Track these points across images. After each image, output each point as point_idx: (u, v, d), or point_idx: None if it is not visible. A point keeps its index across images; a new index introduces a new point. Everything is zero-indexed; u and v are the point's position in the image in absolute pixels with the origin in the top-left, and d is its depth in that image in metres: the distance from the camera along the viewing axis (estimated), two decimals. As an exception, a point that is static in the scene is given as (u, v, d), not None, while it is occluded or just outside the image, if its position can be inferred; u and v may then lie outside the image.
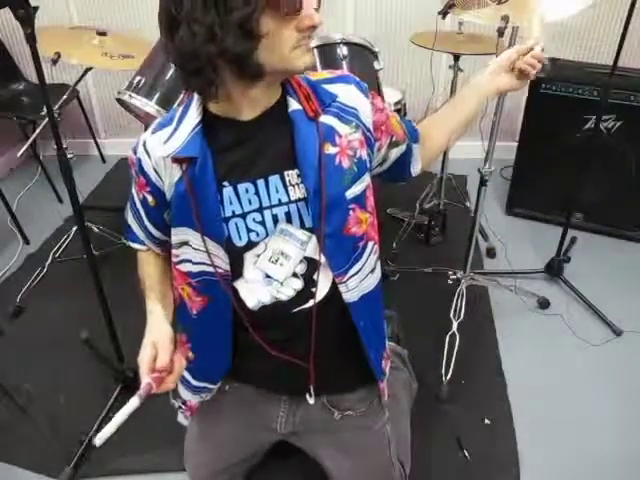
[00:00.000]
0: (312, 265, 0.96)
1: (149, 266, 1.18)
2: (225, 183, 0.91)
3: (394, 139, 1.06)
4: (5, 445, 1.64)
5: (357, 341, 1.05)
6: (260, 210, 0.92)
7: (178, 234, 0.97)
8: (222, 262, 0.95)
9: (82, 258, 1.58)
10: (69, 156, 1.44)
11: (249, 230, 0.93)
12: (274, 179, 0.91)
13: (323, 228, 0.91)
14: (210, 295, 1.01)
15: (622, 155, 2.35)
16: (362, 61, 1.90)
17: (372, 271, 1.03)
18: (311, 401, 1.08)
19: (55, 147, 1.38)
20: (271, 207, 0.92)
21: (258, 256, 0.95)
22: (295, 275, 0.96)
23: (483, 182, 1.92)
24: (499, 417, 1.70)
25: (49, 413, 1.72)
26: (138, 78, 1.88)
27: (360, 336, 1.04)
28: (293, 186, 0.91)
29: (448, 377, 1.77)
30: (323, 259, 0.95)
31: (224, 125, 0.90)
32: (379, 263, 1.07)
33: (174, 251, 1.00)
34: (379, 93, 1.90)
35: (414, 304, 2.08)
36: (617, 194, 2.43)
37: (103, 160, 3.37)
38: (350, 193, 0.94)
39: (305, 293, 0.97)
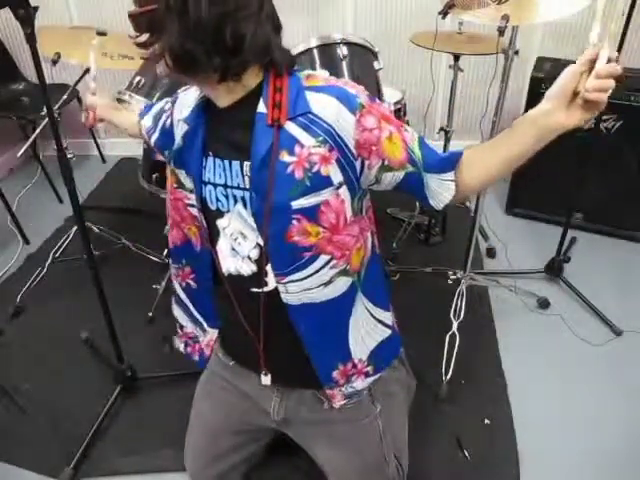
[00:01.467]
0: (263, 255, 1.01)
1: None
2: (210, 153, 1.01)
3: (386, 163, 0.99)
4: (5, 445, 1.64)
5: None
6: (225, 187, 1.01)
7: (188, 182, 1.06)
8: (203, 221, 1.06)
9: (82, 258, 1.58)
10: (69, 156, 1.44)
11: (217, 199, 1.02)
12: (235, 164, 0.98)
13: (266, 228, 0.97)
14: (203, 240, 1.10)
15: (622, 155, 2.35)
16: (362, 61, 1.90)
17: (326, 284, 1.02)
18: (265, 381, 1.15)
19: (55, 147, 1.38)
20: (232, 188, 1.00)
21: (224, 229, 1.04)
22: (249, 258, 1.03)
23: (483, 182, 1.91)
24: (499, 417, 1.70)
25: (49, 413, 1.72)
26: (138, 78, 1.88)
27: (301, 339, 1.06)
28: (248, 177, 0.97)
29: (448, 377, 1.77)
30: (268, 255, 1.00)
31: (213, 104, 1.00)
32: (345, 279, 1.04)
33: (187, 194, 1.07)
34: (379, 97, 1.89)
35: (414, 304, 2.08)
36: (617, 194, 2.43)
37: (103, 160, 3.37)
38: (297, 204, 0.94)
39: (258, 278, 1.03)
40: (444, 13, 1.65)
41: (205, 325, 1.25)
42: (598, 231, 2.55)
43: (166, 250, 2.06)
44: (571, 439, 1.64)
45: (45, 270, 2.30)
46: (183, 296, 1.24)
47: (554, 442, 1.63)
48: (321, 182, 0.94)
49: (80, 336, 1.77)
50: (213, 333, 1.26)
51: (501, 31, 1.56)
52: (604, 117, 2.29)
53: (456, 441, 1.62)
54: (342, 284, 1.04)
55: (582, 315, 2.10)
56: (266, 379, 1.15)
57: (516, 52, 1.79)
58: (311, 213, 0.95)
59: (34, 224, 2.69)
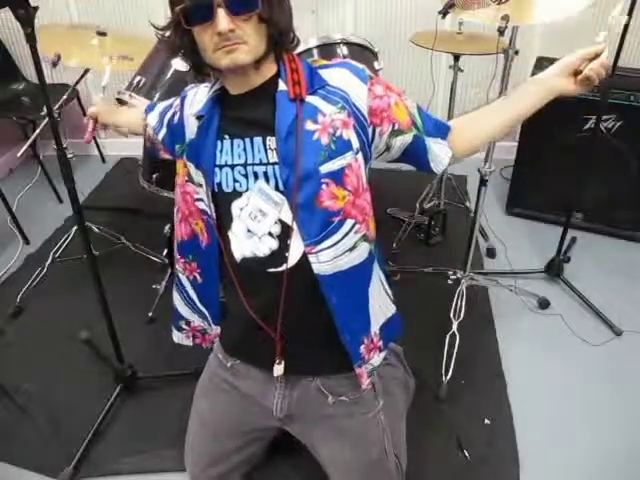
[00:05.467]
0: (286, 229, 1.04)
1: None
2: (226, 136, 1.06)
3: (396, 127, 1.08)
4: (5, 445, 1.64)
5: (331, 321, 1.08)
6: (245, 165, 1.05)
7: (197, 176, 1.10)
8: (213, 211, 1.09)
9: (82, 258, 1.58)
10: (69, 156, 1.44)
11: (235, 180, 1.06)
12: (257, 140, 1.03)
13: (296, 197, 1.00)
14: (210, 234, 1.13)
15: (622, 155, 2.35)
16: (362, 61, 1.89)
17: (351, 250, 1.06)
18: (278, 371, 1.13)
19: (55, 147, 1.38)
20: (253, 164, 1.04)
21: (241, 209, 1.06)
22: (271, 235, 1.05)
23: (483, 182, 1.92)
24: (499, 417, 1.70)
25: (49, 413, 1.71)
26: (138, 78, 1.88)
27: (332, 313, 1.07)
28: (272, 150, 1.02)
29: (448, 377, 1.77)
30: (295, 226, 1.02)
31: (228, 92, 1.08)
32: (365, 245, 1.09)
33: (196, 188, 1.12)
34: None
35: (414, 304, 2.07)
36: (617, 194, 2.43)
37: (103, 160, 3.37)
38: (325, 168, 1.00)
39: (279, 255, 1.05)
40: (444, 13, 1.65)
41: (210, 320, 1.26)
42: (598, 231, 2.54)
43: (166, 250, 2.06)
44: (571, 439, 1.64)
45: (45, 270, 2.30)
46: (190, 291, 1.25)
47: (554, 442, 1.63)
48: (344, 145, 1.02)
49: (80, 336, 1.76)
50: (217, 329, 1.28)
51: (501, 31, 1.56)
52: (604, 117, 2.29)
53: (456, 441, 1.62)
54: (363, 250, 1.09)
55: (582, 315, 2.10)
56: (279, 369, 1.13)
57: (516, 52, 1.79)
58: (337, 176, 1.01)
59: (34, 224, 2.69)
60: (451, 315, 1.92)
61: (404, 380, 1.36)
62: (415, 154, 1.14)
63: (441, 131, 1.15)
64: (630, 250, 2.47)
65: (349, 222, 1.04)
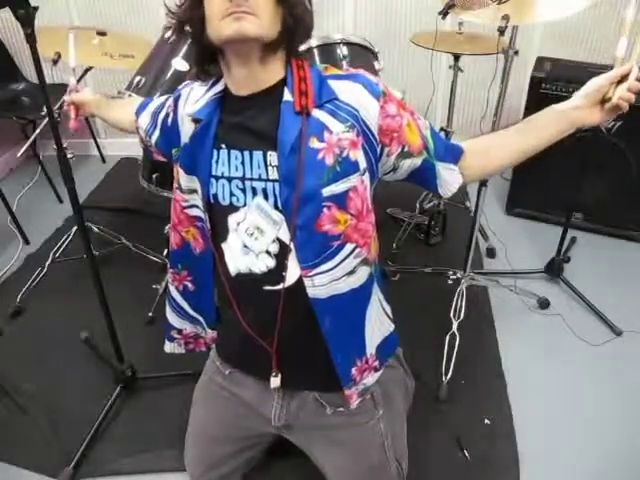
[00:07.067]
0: (284, 248, 0.99)
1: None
2: (222, 145, 0.99)
3: (406, 149, 1.02)
4: (5, 445, 1.64)
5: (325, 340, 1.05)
6: (243, 179, 0.98)
7: (189, 182, 1.05)
8: (207, 220, 1.04)
9: (82, 258, 1.58)
10: (69, 156, 1.43)
11: (232, 194, 1.00)
12: (257, 155, 0.96)
13: (295, 218, 0.95)
14: (205, 241, 1.09)
15: (622, 155, 2.35)
16: (362, 61, 1.90)
17: (349, 274, 1.01)
18: (274, 383, 1.11)
19: (55, 147, 1.38)
20: (252, 179, 0.98)
21: (238, 224, 1.01)
22: (268, 253, 1.00)
23: (483, 182, 1.92)
24: (499, 417, 1.70)
25: (49, 413, 1.71)
26: (138, 78, 1.88)
27: (325, 336, 1.03)
28: (272, 167, 0.95)
29: (448, 377, 1.77)
30: (293, 247, 0.98)
31: (229, 95, 1.00)
32: (365, 268, 1.04)
33: (185, 196, 1.07)
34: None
35: (414, 304, 2.08)
36: (617, 194, 2.43)
37: (103, 160, 3.37)
38: (327, 191, 0.94)
39: (276, 274, 1.00)
40: (444, 13, 1.65)
41: (204, 324, 1.24)
42: (598, 231, 2.55)
43: (166, 250, 2.06)
44: (571, 439, 1.64)
45: (45, 270, 2.30)
46: (179, 299, 1.22)
47: (554, 442, 1.63)
48: (350, 167, 0.96)
49: (80, 336, 1.76)
50: (212, 333, 1.26)
51: (501, 31, 1.56)
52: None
53: (456, 441, 1.62)
54: (363, 273, 1.04)
55: (582, 315, 2.10)
56: (275, 381, 1.11)
57: (516, 52, 1.79)
58: (341, 200, 0.96)
59: (34, 224, 2.69)
60: (451, 315, 1.92)
61: (403, 381, 1.36)
62: (423, 178, 1.09)
63: (453, 154, 1.09)
64: (630, 250, 2.47)
65: (349, 247, 0.99)
